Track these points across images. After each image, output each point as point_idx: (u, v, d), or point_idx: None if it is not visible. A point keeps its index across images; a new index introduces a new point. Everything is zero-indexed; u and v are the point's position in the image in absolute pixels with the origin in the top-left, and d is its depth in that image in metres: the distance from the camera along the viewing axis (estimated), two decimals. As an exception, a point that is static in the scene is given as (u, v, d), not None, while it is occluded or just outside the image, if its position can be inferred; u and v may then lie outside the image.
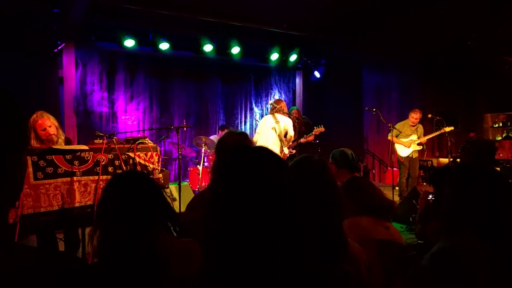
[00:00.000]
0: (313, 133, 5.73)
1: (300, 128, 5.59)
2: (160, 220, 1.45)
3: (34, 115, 3.27)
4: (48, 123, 3.29)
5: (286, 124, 5.15)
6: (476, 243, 1.21)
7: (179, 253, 1.37)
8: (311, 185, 1.24)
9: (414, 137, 6.61)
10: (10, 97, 0.69)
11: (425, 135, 6.75)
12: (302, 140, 5.65)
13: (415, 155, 6.64)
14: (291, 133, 5.17)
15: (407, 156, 6.58)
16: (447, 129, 6.56)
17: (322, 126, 5.71)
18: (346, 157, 2.80)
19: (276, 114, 5.18)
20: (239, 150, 0.90)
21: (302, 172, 1.31)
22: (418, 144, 6.59)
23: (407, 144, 6.57)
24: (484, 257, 1.18)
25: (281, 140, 5.08)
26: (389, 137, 6.63)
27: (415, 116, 6.59)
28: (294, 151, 5.31)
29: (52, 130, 3.28)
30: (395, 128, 6.46)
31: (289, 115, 5.35)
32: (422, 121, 6.80)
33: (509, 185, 1.31)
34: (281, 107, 5.23)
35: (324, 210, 1.20)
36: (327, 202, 1.24)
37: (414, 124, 6.63)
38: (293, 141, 5.37)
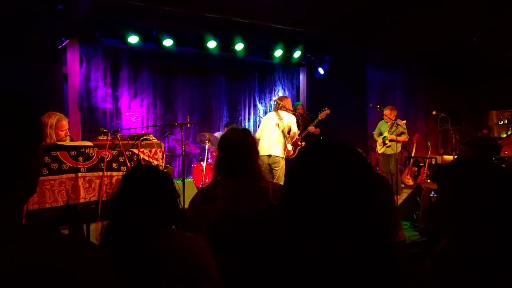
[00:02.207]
0: (319, 118, 5.86)
1: (304, 123, 5.66)
2: (170, 214, 1.45)
3: (58, 116, 3.49)
4: (67, 125, 3.56)
5: (289, 120, 5.14)
6: (475, 242, 1.21)
7: (186, 248, 1.36)
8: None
9: (387, 135, 6.76)
10: (27, 97, 0.74)
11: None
12: (310, 128, 5.80)
13: (389, 151, 6.73)
14: (294, 129, 5.17)
15: (382, 153, 6.81)
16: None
17: (326, 108, 5.84)
18: None
19: (279, 111, 5.18)
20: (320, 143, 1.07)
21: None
22: (390, 141, 6.66)
23: (379, 141, 6.88)
24: (483, 256, 1.18)
25: (284, 137, 5.09)
26: (374, 135, 7.03)
27: (386, 112, 6.72)
28: (303, 143, 5.37)
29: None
30: (400, 125, 6.49)
31: (293, 111, 5.36)
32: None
33: (507, 182, 1.30)
34: (285, 104, 5.23)
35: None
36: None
37: (388, 121, 6.73)
38: (299, 135, 5.42)
